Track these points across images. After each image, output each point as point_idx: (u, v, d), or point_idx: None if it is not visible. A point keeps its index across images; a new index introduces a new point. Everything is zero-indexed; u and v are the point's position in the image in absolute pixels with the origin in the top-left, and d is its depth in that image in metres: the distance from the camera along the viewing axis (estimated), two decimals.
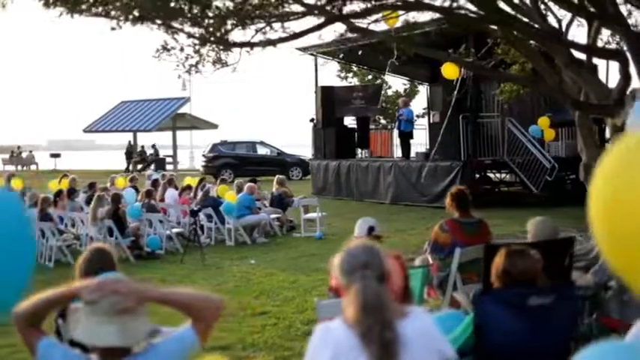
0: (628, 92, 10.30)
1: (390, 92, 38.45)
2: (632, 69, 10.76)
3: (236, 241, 16.64)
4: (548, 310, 4.50)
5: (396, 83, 40.21)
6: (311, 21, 10.23)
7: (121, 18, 8.64)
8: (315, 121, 27.80)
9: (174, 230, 16.53)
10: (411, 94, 37.84)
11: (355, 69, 36.84)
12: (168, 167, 41.92)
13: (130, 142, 46.70)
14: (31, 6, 10.35)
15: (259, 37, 10.28)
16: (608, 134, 14.65)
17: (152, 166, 41.66)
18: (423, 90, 35.13)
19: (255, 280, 12.48)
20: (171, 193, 18.99)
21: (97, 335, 3.22)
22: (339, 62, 31.12)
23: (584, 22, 13.38)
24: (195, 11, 9.26)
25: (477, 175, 23.28)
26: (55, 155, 52.73)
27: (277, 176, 20.69)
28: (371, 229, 6.42)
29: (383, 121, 36.38)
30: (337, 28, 11.11)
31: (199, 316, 3.40)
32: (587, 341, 6.29)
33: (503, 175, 25.37)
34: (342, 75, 38.50)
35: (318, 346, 3.37)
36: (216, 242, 16.84)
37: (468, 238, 7.96)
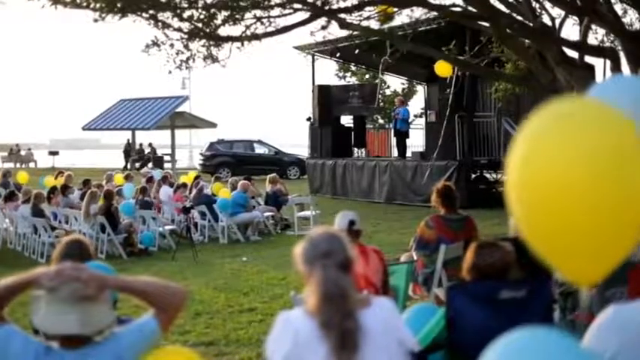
0: None
1: (388, 92, 38.40)
2: (625, 67, 10.73)
3: (229, 238, 16.62)
4: (520, 304, 4.46)
5: (394, 83, 40.19)
6: (300, 17, 10.20)
7: (104, 9, 8.58)
8: (312, 120, 27.76)
9: (168, 227, 16.50)
10: (409, 93, 37.80)
11: (353, 68, 36.81)
12: (167, 166, 41.86)
13: (128, 140, 46.67)
14: (33, 4, 10.26)
15: (247, 32, 10.22)
16: None
17: (150, 165, 41.63)
18: (422, 90, 35.12)
19: (245, 277, 12.45)
20: (165, 191, 18.96)
21: (57, 323, 3.19)
22: (336, 61, 31.07)
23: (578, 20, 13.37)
24: (183, 5, 9.23)
25: (473, 175, 23.23)
26: (54, 153, 52.74)
27: (270, 175, 20.66)
28: (351, 223, 6.36)
29: (381, 121, 36.33)
30: (329, 27, 11.03)
31: (161, 306, 3.36)
32: None
33: (500, 175, 25.30)
34: (340, 74, 38.45)
35: (278, 335, 3.34)
36: (209, 240, 16.83)
37: (453, 234, 7.93)
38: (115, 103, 48.71)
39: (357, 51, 23.23)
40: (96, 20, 8.80)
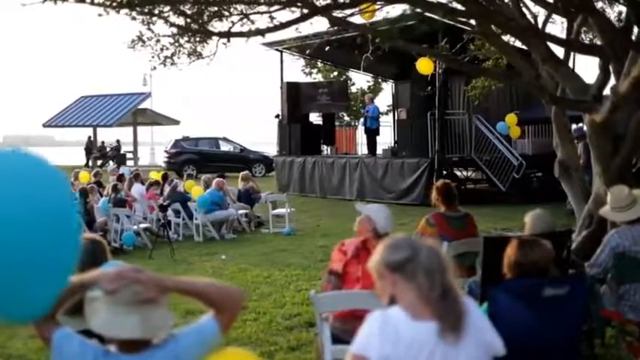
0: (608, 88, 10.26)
1: (354, 89, 38.39)
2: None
3: (204, 236, 16.48)
4: (562, 301, 4.43)
5: (359, 80, 40.21)
6: (290, 13, 10.08)
7: (107, 3, 8.42)
8: (280, 117, 27.67)
9: (142, 225, 16.31)
10: (374, 91, 37.81)
11: (320, 65, 36.73)
12: (129, 163, 41.46)
13: (89, 137, 46.04)
14: None
15: (244, 28, 10.11)
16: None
17: (111, 162, 41.14)
18: (387, 87, 35.18)
19: (229, 275, 12.32)
20: (137, 188, 18.73)
21: (117, 326, 3.08)
22: (304, 58, 30.94)
23: (558, 19, 13.42)
24: None
25: (444, 172, 23.34)
26: None
27: (242, 172, 20.61)
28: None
29: (347, 118, 36.36)
30: (315, 21, 10.91)
31: (222, 307, 3.30)
32: (585, 333, 6.28)
33: (470, 173, 25.43)
34: (307, 71, 38.34)
35: (374, 334, 3.17)
36: (184, 238, 16.67)
37: (454, 232, 7.90)
38: (75, 99, 48.21)
39: (327, 48, 23.11)
40: (100, 15, 8.65)
